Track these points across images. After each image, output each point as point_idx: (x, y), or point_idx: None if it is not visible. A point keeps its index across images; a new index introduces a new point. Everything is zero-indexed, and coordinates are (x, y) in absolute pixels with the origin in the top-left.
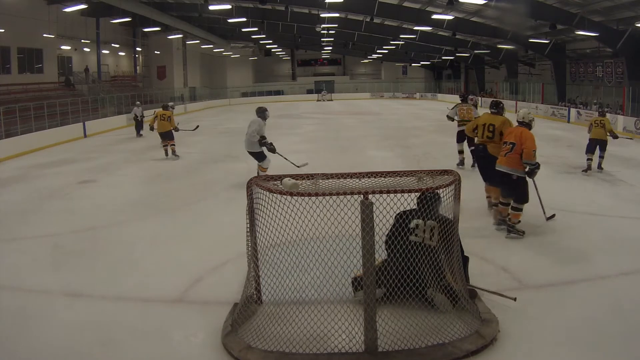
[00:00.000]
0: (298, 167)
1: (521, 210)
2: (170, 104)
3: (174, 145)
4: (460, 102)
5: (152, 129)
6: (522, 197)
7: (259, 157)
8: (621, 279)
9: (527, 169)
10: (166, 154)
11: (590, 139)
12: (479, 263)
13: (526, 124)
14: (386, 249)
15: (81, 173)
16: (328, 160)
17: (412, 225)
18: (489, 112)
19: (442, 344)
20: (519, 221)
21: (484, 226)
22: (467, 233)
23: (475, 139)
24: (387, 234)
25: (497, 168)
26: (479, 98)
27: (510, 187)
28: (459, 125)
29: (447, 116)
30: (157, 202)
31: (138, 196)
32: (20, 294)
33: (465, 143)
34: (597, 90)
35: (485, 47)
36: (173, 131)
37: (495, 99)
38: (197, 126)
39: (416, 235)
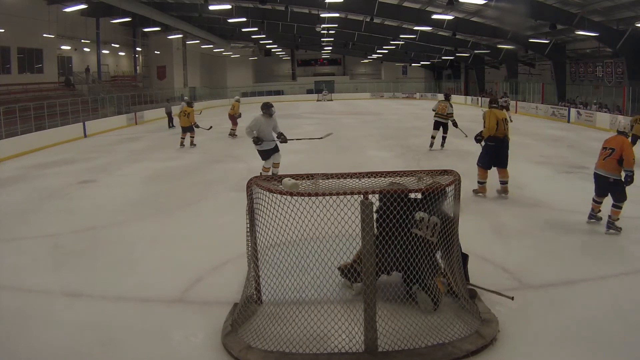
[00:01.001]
0: (321, 138)
1: (621, 208)
2: (236, 97)
3: (193, 137)
4: (443, 99)
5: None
6: (621, 196)
7: (260, 155)
8: (621, 279)
9: (624, 176)
10: (181, 144)
11: (632, 134)
12: (479, 263)
13: (624, 134)
14: (378, 228)
15: (81, 173)
16: (328, 160)
17: (417, 217)
18: (490, 108)
19: (442, 344)
20: (618, 218)
21: (484, 226)
22: (467, 232)
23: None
24: (382, 209)
25: (595, 171)
26: (508, 100)
27: (605, 188)
28: (435, 116)
29: (432, 109)
30: (157, 202)
31: (138, 196)
32: (20, 294)
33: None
34: (597, 90)
35: (485, 47)
36: (193, 126)
37: (492, 96)
38: (211, 127)
39: (420, 229)
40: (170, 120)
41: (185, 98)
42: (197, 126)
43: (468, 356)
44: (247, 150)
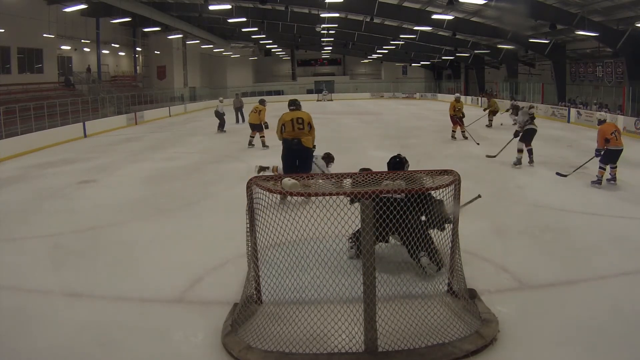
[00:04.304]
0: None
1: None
2: (457, 95)
3: (263, 137)
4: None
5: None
6: None
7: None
8: (621, 279)
9: None
10: (250, 144)
11: None
12: (479, 263)
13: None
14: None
15: (81, 173)
16: None
17: (382, 185)
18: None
19: (442, 344)
20: None
21: (484, 226)
22: (467, 232)
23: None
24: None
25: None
26: (517, 103)
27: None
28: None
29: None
30: (157, 202)
31: (138, 196)
32: (20, 294)
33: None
34: (597, 90)
35: (485, 47)
36: (262, 125)
37: (291, 99)
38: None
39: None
40: (241, 115)
41: (262, 99)
42: (267, 126)
43: (468, 356)
44: (247, 150)
